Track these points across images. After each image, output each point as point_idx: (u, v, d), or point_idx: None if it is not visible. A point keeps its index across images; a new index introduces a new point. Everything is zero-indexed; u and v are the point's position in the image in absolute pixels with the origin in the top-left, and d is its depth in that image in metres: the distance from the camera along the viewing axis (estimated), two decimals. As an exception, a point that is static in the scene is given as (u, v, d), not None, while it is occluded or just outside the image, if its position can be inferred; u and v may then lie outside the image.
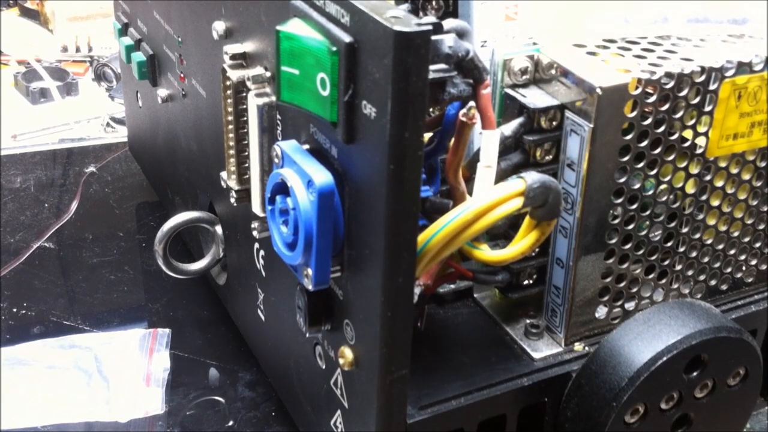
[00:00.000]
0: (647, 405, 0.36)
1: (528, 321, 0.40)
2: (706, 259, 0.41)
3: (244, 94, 0.36)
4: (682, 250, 0.40)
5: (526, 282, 0.40)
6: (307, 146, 0.32)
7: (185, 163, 0.50)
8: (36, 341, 0.50)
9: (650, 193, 0.37)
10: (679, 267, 0.40)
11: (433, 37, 0.30)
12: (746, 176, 0.40)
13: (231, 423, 0.45)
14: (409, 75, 0.26)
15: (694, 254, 0.40)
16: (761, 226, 0.42)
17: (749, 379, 0.38)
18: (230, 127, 0.38)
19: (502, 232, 0.39)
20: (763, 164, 0.40)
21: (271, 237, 0.33)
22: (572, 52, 0.36)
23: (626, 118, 0.35)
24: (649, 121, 0.35)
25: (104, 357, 0.49)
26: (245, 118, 0.37)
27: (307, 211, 0.30)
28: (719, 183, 0.39)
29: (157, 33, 0.50)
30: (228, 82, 0.36)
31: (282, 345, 0.41)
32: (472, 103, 0.32)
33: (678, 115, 0.36)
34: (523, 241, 0.34)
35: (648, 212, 0.38)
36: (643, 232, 0.38)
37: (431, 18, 0.35)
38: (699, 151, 0.38)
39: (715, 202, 0.39)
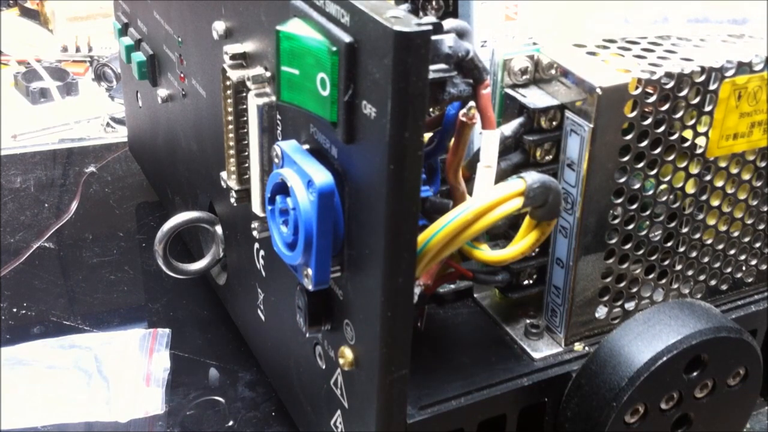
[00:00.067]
0: (647, 405, 0.36)
1: (528, 321, 0.40)
2: (706, 259, 0.41)
3: (244, 94, 0.36)
4: (682, 250, 0.40)
5: (526, 282, 0.40)
6: (307, 146, 0.32)
7: (185, 163, 0.50)
8: (36, 341, 0.50)
9: (650, 193, 0.37)
10: (679, 267, 0.40)
11: (433, 37, 0.30)
12: (746, 176, 0.40)
13: (231, 423, 0.45)
14: (409, 75, 0.26)
15: (694, 254, 0.40)
16: (761, 226, 0.42)
17: (749, 379, 0.38)
18: (230, 127, 0.38)
19: (502, 232, 0.39)
20: (763, 164, 0.40)
21: (271, 237, 0.33)
22: (572, 52, 0.36)
23: (626, 118, 0.35)
24: (649, 121, 0.35)
25: (104, 357, 0.49)
26: (245, 118, 0.37)
27: (307, 211, 0.30)
28: (719, 183, 0.39)
29: (157, 33, 0.50)
30: (228, 82, 0.36)
31: (282, 345, 0.41)
32: (472, 103, 0.32)
33: (678, 115, 0.36)
34: (523, 241, 0.34)
35: (648, 212, 0.38)
36: (643, 232, 0.38)
37: (431, 18, 0.35)
38: (699, 151, 0.38)
39: (715, 202, 0.39)
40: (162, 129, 0.54)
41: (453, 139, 0.33)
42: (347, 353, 0.32)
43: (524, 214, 0.33)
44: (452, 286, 0.42)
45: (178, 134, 0.50)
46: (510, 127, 0.36)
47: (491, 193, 0.32)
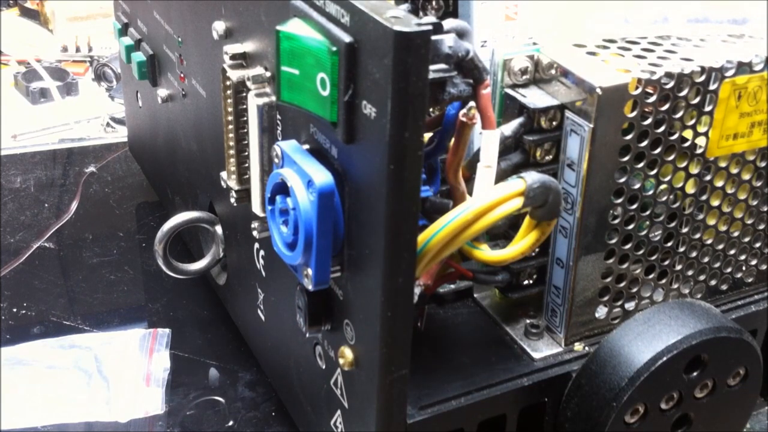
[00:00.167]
0: (647, 405, 0.36)
1: (528, 321, 0.40)
2: (706, 259, 0.41)
3: (244, 94, 0.36)
4: (682, 250, 0.40)
5: (526, 282, 0.40)
6: (307, 146, 0.32)
7: (185, 163, 0.50)
8: (36, 341, 0.50)
9: (650, 193, 0.37)
10: (679, 267, 0.40)
11: (433, 37, 0.30)
12: (746, 176, 0.40)
13: (231, 423, 0.45)
14: (409, 75, 0.26)
15: (694, 254, 0.40)
16: (761, 226, 0.42)
17: (749, 379, 0.38)
18: (230, 127, 0.38)
19: (502, 232, 0.39)
20: (763, 164, 0.40)
21: (271, 237, 0.33)
22: (572, 52, 0.36)
23: (626, 118, 0.35)
24: (649, 121, 0.35)
25: (104, 357, 0.49)
26: (245, 118, 0.37)
27: (307, 211, 0.30)
28: (719, 183, 0.39)
29: (157, 33, 0.50)
30: (228, 82, 0.36)
31: (282, 345, 0.41)
32: (472, 103, 0.32)
33: (678, 115, 0.36)
34: (523, 241, 0.34)
35: (648, 212, 0.38)
36: (643, 232, 0.38)
37: (431, 18, 0.35)
38: (699, 151, 0.38)
39: (715, 202, 0.39)
40: (162, 129, 0.54)
41: (453, 139, 0.33)
42: (347, 353, 0.32)
43: (524, 214, 0.33)
44: (452, 286, 0.42)
45: (178, 134, 0.50)
46: (510, 127, 0.36)
47: (491, 193, 0.32)
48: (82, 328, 0.52)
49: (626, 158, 0.36)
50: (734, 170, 0.39)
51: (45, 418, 0.45)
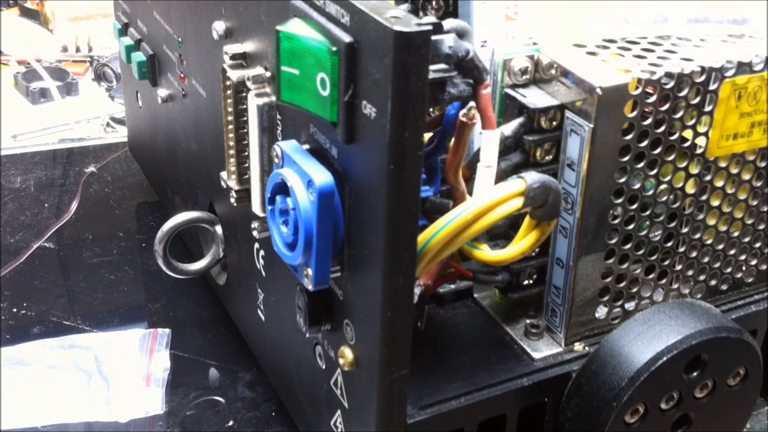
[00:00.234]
0: (647, 405, 0.36)
1: (528, 321, 0.40)
2: (706, 259, 0.41)
3: (244, 94, 0.36)
4: (682, 250, 0.40)
5: (526, 282, 0.40)
6: (307, 146, 0.32)
7: (185, 163, 0.50)
8: (36, 341, 0.50)
9: (650, 193, 0.37)
10: (679, 267, 0.40)
11: (433, 37, 0.30)
12: (746, 176, 0.40)
13: (231, 423, 0.45)
14: (409, 75, 0.26)
15: (694, 254, 0.40)
16: (761, 226, 0.42)
17: (749, 379, 0.38)
18: (230, 127, 0.38)
19: (502, 232, 0.39)
20: (763, 164, 0.40)
21: (271, 237, 0.33)
22: (572, 52, 0.36)
23: (626, 118, 0.35)
24: (649, 121, 0.35)
25: (104, 357, 0.49)
26: (245, 118, 0.37)
27: (307, 211, 0.30)
28: (719, 183, 0.39)
29: (157, 33, 0.50)
30: (228, 82, 0.36)
31: (282, 345, 0.41)
32: (472, 103, 0.32)
33: (678, 115, 0.36)
34: (523, 241, 0.34)
35: (648, 212, 0.38)
36: (643, 232, 0.38)
37: (431, 18, 0.35)
38: (699, 151, 0.38)
39: (715, 202, 0.39)
40: (162, 129, 0.54)
41: (453, 139, 0.33)
42: (347, 353, 0.32)
43: (524, 214, 0.33)
44: (452, 286, 0.42)
45: (178, 134, 0.50)
46: (510, 127, 0.36)
47: (491, 193, 0.32)
48: (82, 328, 0.52)
49: (626, 158, 0.36)
50: (734, 170, 0.39)
51: (45, 418, 0.45)
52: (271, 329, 0.42)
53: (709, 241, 0.40)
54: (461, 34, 0.32)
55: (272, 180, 0.32)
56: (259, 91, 0.35)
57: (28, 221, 0.62)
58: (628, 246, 0.38)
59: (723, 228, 0.40)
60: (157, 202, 0.63)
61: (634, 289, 0.39)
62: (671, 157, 0.37)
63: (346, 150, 0.29)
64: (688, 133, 0.37)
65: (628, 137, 0.35)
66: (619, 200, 0.36)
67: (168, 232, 0.46)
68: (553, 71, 0.36)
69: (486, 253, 0.34)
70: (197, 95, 0.45)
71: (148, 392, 0.46)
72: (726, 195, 0.39)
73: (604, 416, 0.35)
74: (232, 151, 0.38)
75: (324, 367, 0.36)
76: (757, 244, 0.42)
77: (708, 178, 0.38)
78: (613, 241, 0.37)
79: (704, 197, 0.39)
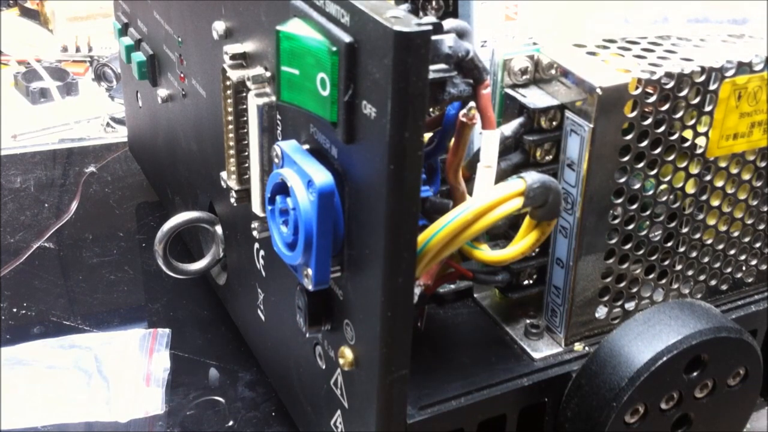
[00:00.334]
0: (647, 405, 0.36)
1: (528, 321, 0.40)
2: (706, 259, 0.41)
3: (244, 94, 0.36)
4: (682, 250, 0.40)
5: (526, 282, 0.40)
6: (307, 146, 0.32)
7: (185, 163, 0.50)
8: (36, 341, 0.50)
9: (650, 193, 0.37)
10: (679, 267, 0.40)
11: (433, 37, 0.30)
12: (746, 176, 0.40)
13: (231, 423, 0.45)
14: (409, 75, 0.26)
15: (694, 254, 0.40)
16: (761, 226, 0.42)
17: (749, 379, 0.38)
18: (230, 127, 0.38)
19: (502, 232, 0.39)
20: (763, 164, 0.40)
21: (271, 237, 0.33)
22: (572, 52, 0.36)
23: (626, 118, 0.35)
24: (649, 121, 0.35)
25: (104, 357, 0.49)
26: (245, 118, 0.37)
27: (307, 211, 0.30)
28: (719, 183, 0.39)
29: (157, 33, 0.50)
30: (228, 82, 0.36)
31: (282, 345, 0.41)
32: (472, 103, 0.32)
33: (678, 115, 0.36)
34: (523, 241, 0.34)
35: (648, 212, 0.38)
36: (643, 232, 0.38)
37: (431, 18, 0.35)
38: (699, 151, 0.38)
39: (715, 202, 0.39)
40: (162, 129, 0.54)
41: (453, 139, 0.33)
42: (347, 353, 0.32)
43: (524, 214, 0.33)
44: (452, 286, 0.42)
45: (178, 134, 0.50)
46: (510, 127, 0.36)
47: (491, 193, 0.32)
48: (82, 328, 0.52)
49: (626, 158, 0.36)
50: (734, 170, 0.39)
51: (45, 418, 0.45)
52: (271, 329, 0.42)
53: (709, 241, 0.40)
54: (461, 34, 0.32)
55: (272, 180, 0.32)
56: (259, 91, 0.35)
57: (28, 221, 0.62)
58: (628, 246, 0.38)
59: (723, 228, 0.40)
60: (157, 202, 0.63)
61: (634, 289, 0.39)
62: (671, 157, 0.37)
63: (346, 150, 0.29)
64: (688, 133, 0.37)
65: (628, 137, 0.35)
66: (619, 200, 0.36)
67: (168, 232, 0.46)
68: (553, 71, 0.36)
69: (486, 253, 0.34)
70: (197, 95, 0.45)
71: (148, 392, 0.46)
72: (726, 195, 0.39)
73: (604, 416, 0.35)
74: (232, 151, 0.38)
75: (324, 367, 0.36)
76: (757, 244, 0.42)
77: (708, 178, 0.38)
78: (613, 241, 0.37)
79: (704, 197, 0.39)
